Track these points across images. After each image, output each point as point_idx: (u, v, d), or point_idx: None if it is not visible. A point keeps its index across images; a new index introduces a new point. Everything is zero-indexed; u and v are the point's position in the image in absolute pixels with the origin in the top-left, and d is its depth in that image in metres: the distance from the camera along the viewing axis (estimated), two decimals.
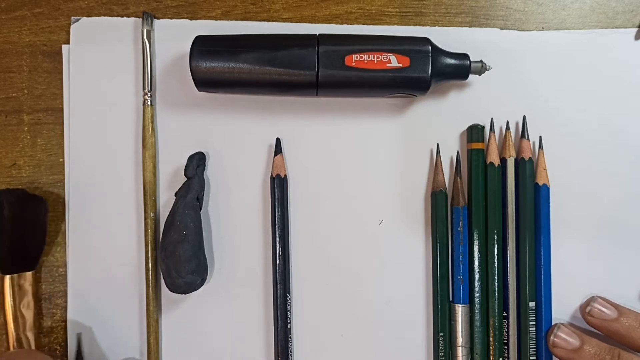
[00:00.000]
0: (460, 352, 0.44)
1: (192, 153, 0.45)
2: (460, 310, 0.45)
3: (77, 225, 0.45)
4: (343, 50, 0.41)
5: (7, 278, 0.43)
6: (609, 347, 0.42)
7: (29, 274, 0.44)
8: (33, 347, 0.44)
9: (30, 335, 0.44)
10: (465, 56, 0.43)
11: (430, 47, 0.42)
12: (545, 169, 0.45)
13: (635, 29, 0.46)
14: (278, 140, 0.46)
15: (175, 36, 0.46)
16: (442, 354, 0.45)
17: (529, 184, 0.44)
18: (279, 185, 0.45)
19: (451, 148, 0.46)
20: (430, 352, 0.46)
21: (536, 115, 0.46)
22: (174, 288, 0.42)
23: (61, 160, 0.46)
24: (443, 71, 0.42)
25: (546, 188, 0.44)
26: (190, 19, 0.46)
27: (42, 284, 0.46)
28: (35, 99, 0.46)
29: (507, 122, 0.46)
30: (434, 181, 0.45)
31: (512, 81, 0.46)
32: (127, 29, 0.46)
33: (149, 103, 0.45)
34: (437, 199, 0.45)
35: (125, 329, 0.45)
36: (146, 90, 0.45)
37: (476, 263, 0.45)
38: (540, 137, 0.45)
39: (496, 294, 0.44)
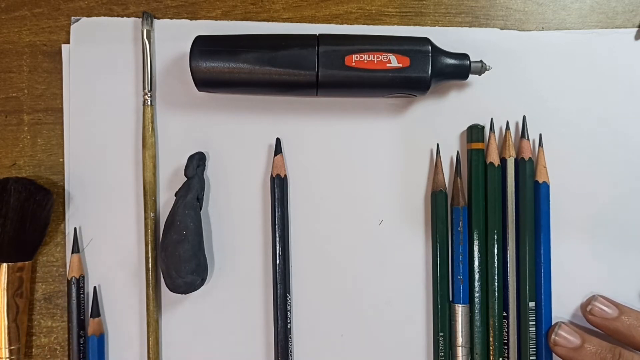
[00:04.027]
0: (460, 352, 0.44)
1: (192, 153, 0.45)
2: (460, 310, 0.45)
3: (77, 225, 0.45)
4: (343, 50, 0.42)
5: (4, 266, 0.43)
6: (610, 345, 0.42)
7: (25, 264, 0.44)
8: (21, 336, 0.44)
9: (20, 324, 0.44)
10: (465, 56, 0.43)
11: (430, 47, 0.42)
12: (545, 167, 0.45)
13: (635, 29, 0.46)
14: (278, 140, 0.46)
15: (175, 36, 0.46)
16: (442, 354, 0.45)
17: (528, 183, 0.44)
18: (279, 185, 0.45)
19: (451, 148, 0.46)
20: (430, 352, 0.46)
21: (536, 115, 0.46)
22: (174, 288, 0.42)
23: (61, 160, 0.46)
24: (443, 71, 0.42)
25: (546, 186, 0.45)
26: (190, 19, 0.46)
27: (42, 284, 0.46)
28: (35, 99, 0.46)
29: (507, 122, 0.46)
30: (434, 181, 0.45)
31: (512, 81, 0.46)
32: (127, 29, 0.46)
33: (149, 103, 0.45)
34: (437, 199, 0.45)
35: (125, 329, 0.45)
36: (146, 90, 0.45)
37: (476, 263, 0.45)
38: (540, 134, 0.46)
39: (496, 294, 0.44)
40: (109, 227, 0.46)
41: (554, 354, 0.44)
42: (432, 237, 0.45)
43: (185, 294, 0.43)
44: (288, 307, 0.45)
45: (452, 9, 0.46)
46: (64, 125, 0.46)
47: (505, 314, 0.45)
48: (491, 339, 0.44)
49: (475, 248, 0.44)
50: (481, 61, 0.43)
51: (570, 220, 0.46)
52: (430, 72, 0.42)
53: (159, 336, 0.45)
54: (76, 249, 0.45)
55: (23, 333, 0.44)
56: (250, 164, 0.46)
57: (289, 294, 0.45)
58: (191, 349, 0.46)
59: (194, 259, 0.42)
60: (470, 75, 0.43)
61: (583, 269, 0.46)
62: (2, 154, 0.46)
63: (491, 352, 0.44)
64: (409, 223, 0.46)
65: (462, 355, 0.44)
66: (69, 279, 0.45)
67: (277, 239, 0.45)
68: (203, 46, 0.42)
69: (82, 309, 0.45)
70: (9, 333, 0.43)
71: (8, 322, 0.43)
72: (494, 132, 0.45)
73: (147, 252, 0.45)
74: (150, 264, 0.45)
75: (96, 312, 0.45)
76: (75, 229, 0.45)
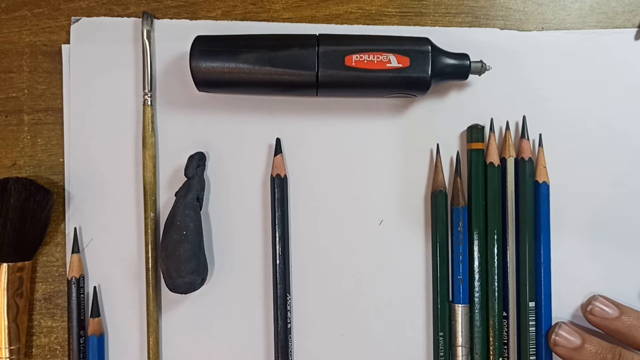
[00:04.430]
0: (460, 352, 0.44)
1: (192, 153, 0.45)
2: (460, 310, 0.44)
3: (77, 225, 0.45)
4: (343, 50, 0.42)
5: (4, 266, 0.43)
6: (610, 345, 0.42)
7: (26, 264, 0.44)
8: (21, 336, 0.44)
9: (20, 324, 0.44)
10: (465, 56, 0.43)
11: (430, 47, 0.42)
12: (545, 167, 0.45)
13: (635, 29, 0.46)
14: (278, 140, 0.46)
15: (175, 36, 0.46)
16: (442, 354, 0.45)
17: (528, 183, 0.44)
18: (279, 185, 0.45)
19: (451, 148, 0.46)
20: (430, 352, 0.46)
21: (536, 115, 0.46)
22: (174, 288, 0.42)
23: (61, 160, 0.46)
24: (443, 71, 0.42)
25: (546, 186, 0.45)
26: (190, 19, 0.46)
27: (42, 284, 0.46)
28: (35, 99, 0.46)
29: (507, 122, 0.46)
30: (434, 181, 0.45)
31: (512, 81, 0.46)
32: (127, 29, 0.46)
33: (149, 103, 0.45)
34: (437, 199, 0.45)
35: (125, 329, 0.45)
36: (146, 90, 0.45)
37: (476, 263, 0.44)
38: (540, 134, 0.46)
39: (496, 294, 0.44)
40: (109, 227, 0.46)
41: (554, 354, 0.44)
42: (432, 237, 0.45)
43: (185, 294, 0.43)
44: (288, 307, 0.45)
45: (452, 9, 0.46)
46: (64, 125, 0.46)
47: (505, 314, 0.45)
48: (491, 339, 0.44)
49: (475, 248, 0.44)
50: (481, 61, 0.43)
51: (570, 220, 0.46)
52: (430, 72, 0.42)
53: (159, 336, 0.45)
54: (76, 249, 0.45)
55: (23, 333, 0.44)
56: (250, 164, 0.46)
57: (289, 294, 0.45)
58: (191, 349, 0.46)
59: (194, 259, 0.42)
60: (470, 75, 0.43)
61: (583, 269, 0.46)
62: (2, 154, 0.46)
63: (491, 352, 0.44)
64: (409, 223, 0.46)
65: (462, 355, 0.44)
66: (69, 279, 0.45)
67: (277, 239, 0.45)
68: (203, 46, 0.42)
69: (82, 309, 0.45)
70: (9, 333, 0.43)
71: (8, 322, 0.43)
72: (494, 132, 0.45)
73: (147, 252, 0.45)
74: (150, 264, 0.45)
75: (96, 312, 0.45)
76: (75, 229, 0.45)
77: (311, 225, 0.46)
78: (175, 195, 0.44)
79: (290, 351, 0.45)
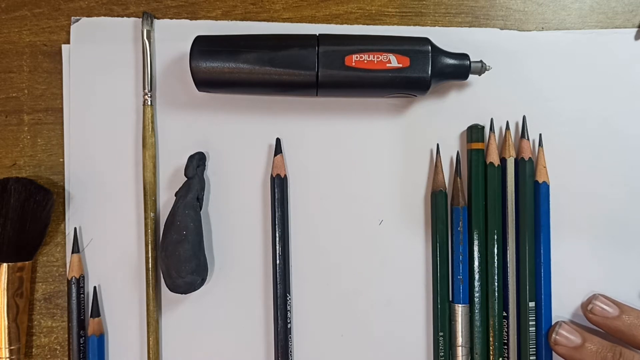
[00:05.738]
0: (460, 352, 0.44)
1: (192, 153, 0.45)
2: (460, 310, 0.44)
3: (77, 225, 0.45)
4: (343, 50, 0.42)
5: (4, 266, 0.43)
6: (611, 344, 0.42)
7: (25, 264, 0.44)
8: (21, 336, 0.44)
9: (20, 324, 0.44)
10: (465, 56, 0.43)
11: (430, 47, 0.42)
12: (545, 167, 0.45)
13: (635, 29, 0.46)
14: (278, 140, 0.46)
15: (175, 36, 0.46)
16: (442, 354, 0.45)
17: (528, 183, 0.44)
18: (279, 185, 0.45)
19: (451, 148, 0.46)
20: (430, 352, 0.46)
21: (536, 115, 0.46)
22: (174, 288, 0.42)
23: (61, 160, 0.46)
24: (443, 71, 0.42)
25: (546, 186, 0.45)
26: (190, 19, 0.46)
27: (42, 284, 0.46)
28: (35, 99, 0.46)
29: (507, 122, 0.46)
30: (434, 181, 0.45)
31: (512, 81, 0.46)
32: (127, 29, 0.46)
33: (149, 103, 0.45)
34: (437, 199, 0.45)
35: (126, 329, 0.45)
36: (146, 90, 0.45)
37: (476, 263, 0.44)
38: (540, 134, 0.46)
39: (496, 294, 0.44)
40: (109, 227, 0.46)
41: (554, 354, 0.44)
42: (432, 237, 0.45)
43: (185, 294, 0.43)
44: (288, 307, 0.45)
45: (452, 9, 0.46)
46: (64, 125, 0.46)
47: (505, 314, 0.45)
48: (491, 339, 0.44)
49: (475, 248, 0.44)
50: (481, 61, 0.43)
51: (570, 220, 0.46)
52: (430, 72, 0.42)
53: (159, 336, 0.45)
54: (76, 249, 0.45)
55: (23, 333, 0.44)
56: (250, 164, 0.46)
57: (289, 294, 0.45)
58: (191, 349, 0.46)
59: (194, 259, 0.42)
60: (470, 75, 0.43)
61: (583, 269, 0.46)
62: (2, 154, 0.46)
63: (491, 352, 0.44)
64: (409, 223, 0.46)
65: (462, 355, 0.44)
66: (69, 279, 0.45)
67: (277, 239, 0.45)
68: (203, 46, 0.42)
69: (82, 309, 0.45)
70: (9, 333, 0.43)
71: (8, 322, 0.43)
72: (494, 132, 0.45)
73: (147, 252, 0.45)
74: (150, 264, 0.45)
75: (96, 312, 0.45)
76: (75, 229, 0.45)
77: (311, 225, 0.46)
78: (175, 195, 0.44)
79: (290, 351, 0.45)
